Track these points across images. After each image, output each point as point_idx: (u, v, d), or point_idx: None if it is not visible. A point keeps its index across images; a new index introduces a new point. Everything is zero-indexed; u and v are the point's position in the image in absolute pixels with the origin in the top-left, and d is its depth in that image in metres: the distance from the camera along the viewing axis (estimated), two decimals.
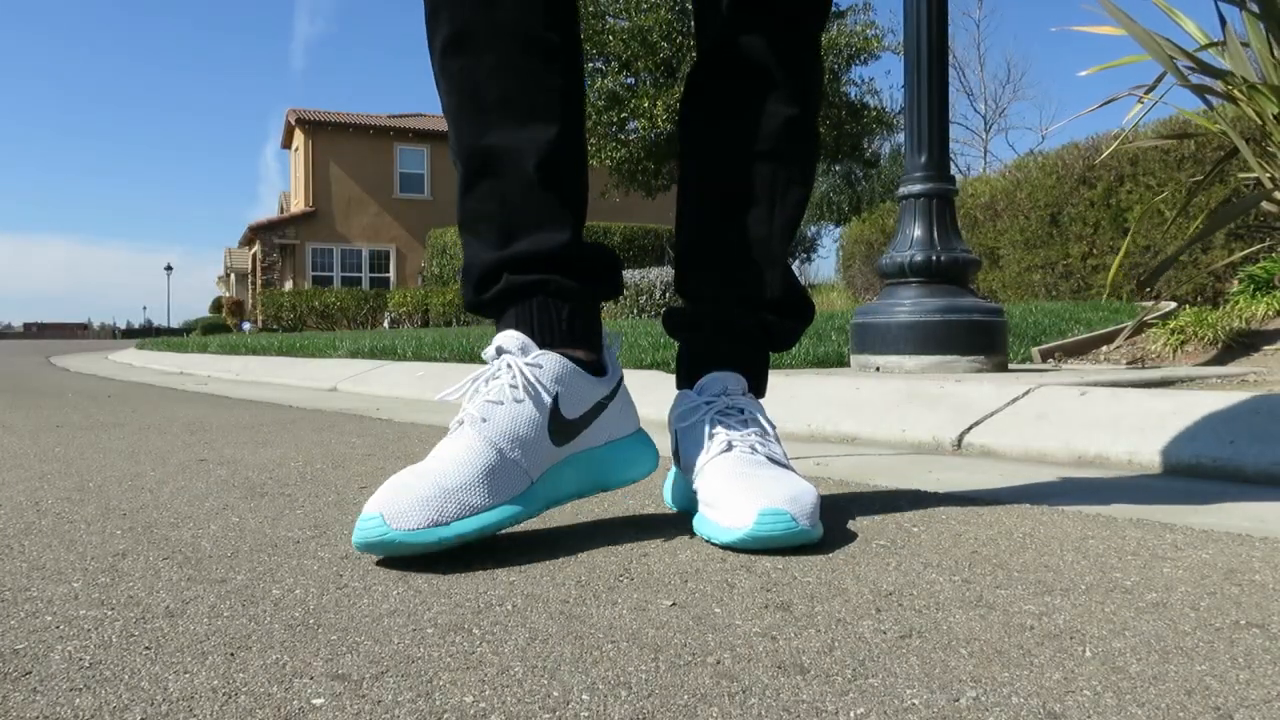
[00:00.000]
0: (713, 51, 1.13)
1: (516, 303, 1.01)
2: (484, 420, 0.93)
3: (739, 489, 0.95)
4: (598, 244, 1.06)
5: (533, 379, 0.95)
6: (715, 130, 1.14)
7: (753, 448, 1.02)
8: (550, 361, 0.97)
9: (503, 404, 0.94)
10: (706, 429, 1.05)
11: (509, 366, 0.96)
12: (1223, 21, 2.65)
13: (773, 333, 1.16)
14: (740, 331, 1.13)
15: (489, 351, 0.99)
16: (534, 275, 1.00)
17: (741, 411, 1.06)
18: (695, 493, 1.03)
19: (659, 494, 1.24)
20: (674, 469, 1.15)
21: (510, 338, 0.98)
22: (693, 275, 1.17)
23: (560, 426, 0.97)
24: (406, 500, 0.86)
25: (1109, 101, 2.86)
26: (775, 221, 1.13)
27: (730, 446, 1.02)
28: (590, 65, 17.40)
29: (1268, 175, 2.71)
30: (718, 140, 1.13)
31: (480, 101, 1.00)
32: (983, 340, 2.55)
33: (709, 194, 1.15)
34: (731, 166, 1.13)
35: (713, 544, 0.95)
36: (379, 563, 0.88)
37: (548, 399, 0.95)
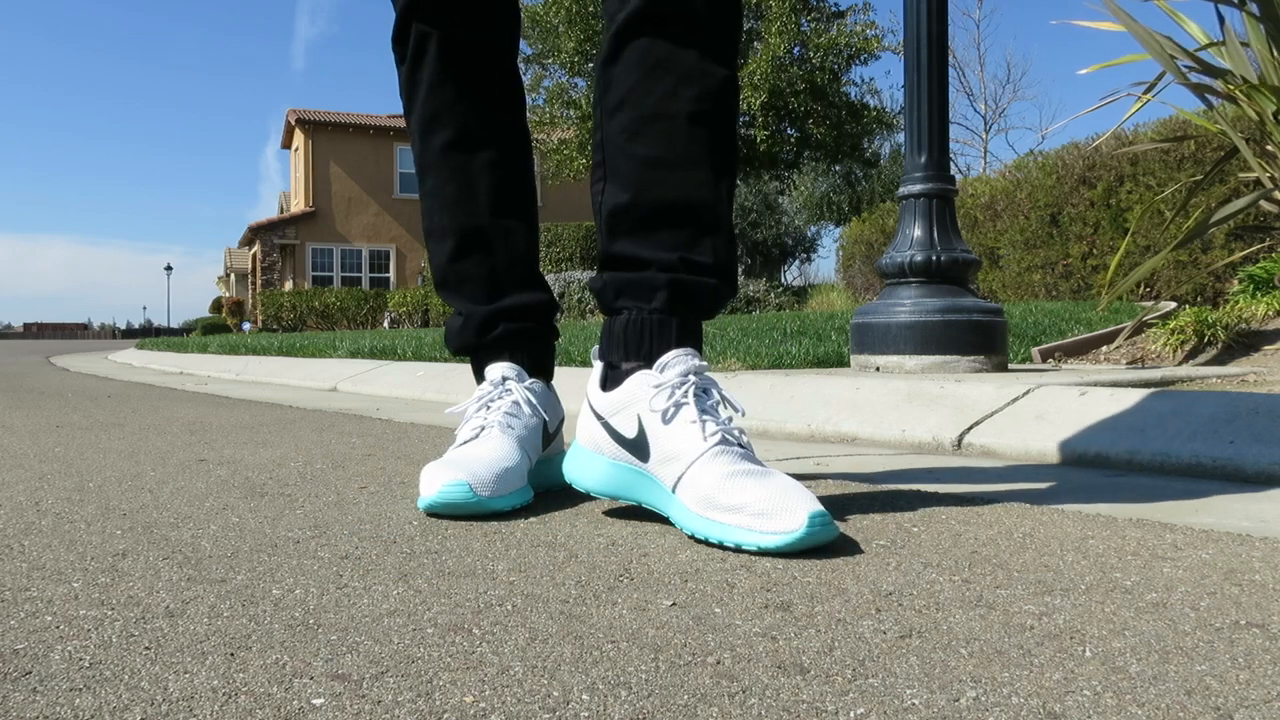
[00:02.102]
0: (646, 6, 1.07)
1: (511, 344, 1.29)
2: (510, 427, 1.19)
3: (776, 491, 0.92)
4: (554, 300, 1.35)
5: (533, 400, 1.24)
6: (655, 85, 1.08)
7: (740, 444, 1.00)
8: (540, 387, 1.27)
9: (519, 417, 1.22)
10: (685, 416, 1.01)
11: (512, 390, 1.24)
12: (1221, 21, 2.65)
13: (719, 300, 1.11)
14: (695, 302, 1.09)
15: (493, 378, 1.25)
16: (524, 323, 1.30)
17: (709, 394, 1.04)
18: (656, 480, 1.02)
19: None
20: (594, 452, 1.09)
21: (510, 369, 1.26)
22: (633, 238, 1.10)
23: (545, 436, 1.26)
24: (484, 475, 1.09)
25: (1108, 99, 2.86)
26: (721, 186, 1.10)
27: (724, 440, 0.99)
28: (590, 65, 17.39)
29: (1267, 175, 2.71)
30: (658, 96, 1.08)
31: (474, 189, 1.29)
32: (983, 340, 2.55)
33: (651, 153, 1.09)
34: (674, 125, 1.08)
35: (741, 550, 0.91)
36: (378, 559, 0.88)
37: (542, 415, 1.25)
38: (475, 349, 1.31)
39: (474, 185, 1.29)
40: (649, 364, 1.06)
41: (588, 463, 1.10)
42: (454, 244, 1.30)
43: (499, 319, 1.29)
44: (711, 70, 1.08)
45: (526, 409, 1.23)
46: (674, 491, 1.00)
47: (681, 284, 1.08)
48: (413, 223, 27.06)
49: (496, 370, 1.26)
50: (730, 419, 1.04)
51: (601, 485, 1.09)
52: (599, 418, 1.08)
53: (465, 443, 1.19)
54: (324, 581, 0.82)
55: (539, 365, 1.31)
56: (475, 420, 1.21)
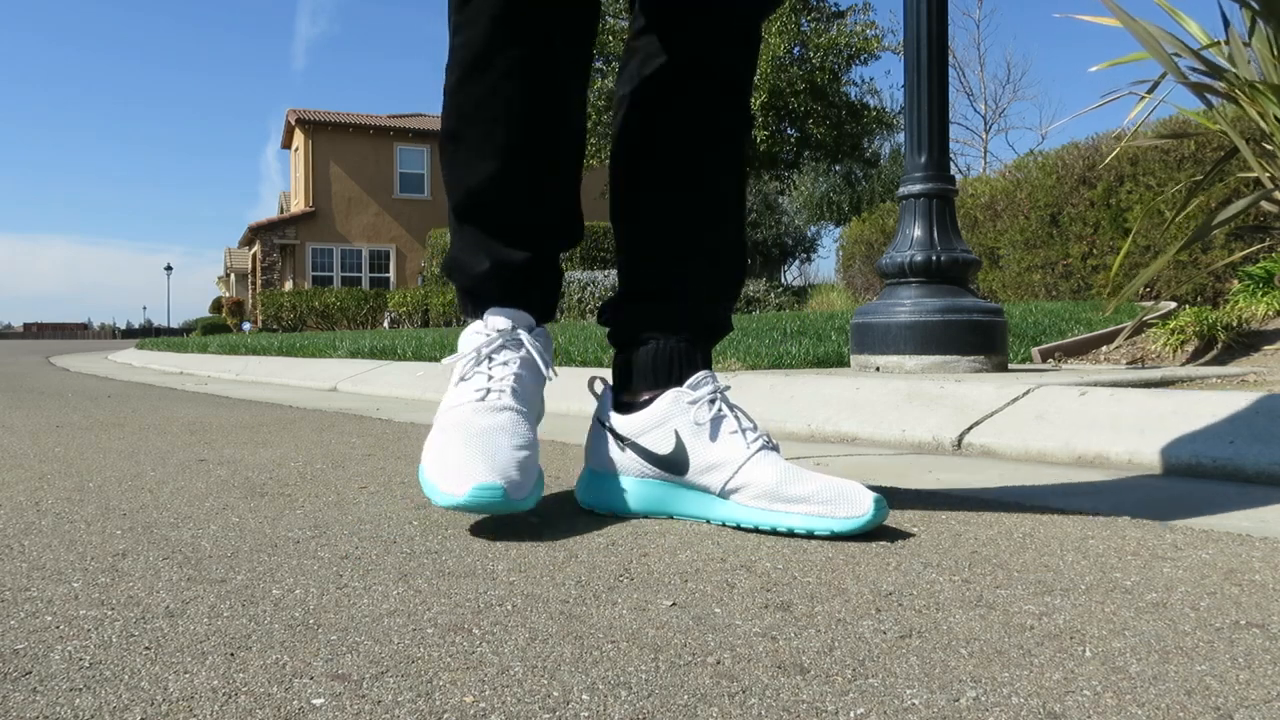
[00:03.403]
0: (692, 62, 1.14)
1: (526, 292, 1.16)
2: (523, 402, 1.10)
3: (834, 482, 1.00)
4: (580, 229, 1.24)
5: (540, 357, 1.14)
6: (686, 135, 1.16)
7: (775, 447, 1.08)
8: (544, 336, 1.18)
9: (528, 383, 1.12)
10: (728, 427, 1.08)
11: (521, 342, 1.13)
12: (1226, 23, 2.65)
13: (728, 327, 1.23)
14: (713, 331, 1.19)
15: (500, 326, 1.13)
16: (545, 273, 1.18)
17: (735, 408, 1.11)
18: (694, 489, 1.07)
19: None
20: (618, 475, 1.11)
21: (520, 316, 1.14)
22: (660, 277, 1.18)
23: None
24: (515, 475, 1.02)
25: (1109, 98, 2.86)
26: (743, 229, 1.22)
27: (769, 443, 1.07)
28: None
29: (1267, 175, 2.71)
30: (690, 148, 1.16)
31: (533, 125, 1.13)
32: (983, 340, 2.55)
33: (679, 200, 1.17)
34: (707, 175, 1.17)
35: (815, 536, 0.98)
36: (378, 559, 0.88)
37: (546, 373, 1.16)
38: (486, 295, 1.16)
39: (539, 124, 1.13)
40: (679, 385, 1.12)
41: (612, 485, 1.13)
42: (498, 166, 1.12)
43: (525, 270, 1.16)
44: (739, 126, 1.18)
45: (540, 363, 1.14)
46: (723, 495, 1.05)
47: (704, 315, 1.17)
48: (413, 223, 27.08)
49: (503, 319, 1.14)
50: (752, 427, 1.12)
51: (631, 504, 1.12)
52: (622, 439, 1.12)
53: (467, 405, 1.08)
54: (324, 581, 0.82)
55: (546, 308, 1.20)
56: (478, 379, 1.10)
